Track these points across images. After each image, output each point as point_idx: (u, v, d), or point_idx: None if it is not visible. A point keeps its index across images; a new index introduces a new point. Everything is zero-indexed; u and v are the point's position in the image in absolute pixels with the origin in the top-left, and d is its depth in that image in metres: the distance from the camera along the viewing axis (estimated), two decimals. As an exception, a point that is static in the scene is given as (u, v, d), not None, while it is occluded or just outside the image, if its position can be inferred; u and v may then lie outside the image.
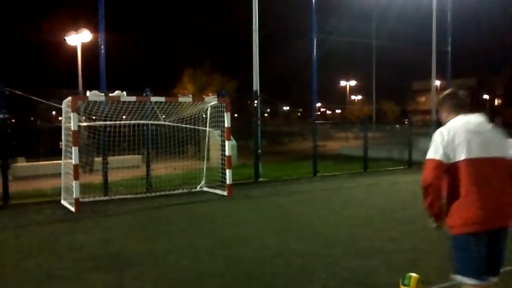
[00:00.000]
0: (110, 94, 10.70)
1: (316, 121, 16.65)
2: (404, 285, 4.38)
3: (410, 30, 23.81)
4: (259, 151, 14.83)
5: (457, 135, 3.60)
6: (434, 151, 3.65)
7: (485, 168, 3.54)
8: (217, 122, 12.23)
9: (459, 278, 3.59)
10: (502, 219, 3.58)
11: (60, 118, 11.77)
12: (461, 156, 3.53)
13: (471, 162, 3.51)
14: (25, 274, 5.95)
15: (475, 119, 3.74)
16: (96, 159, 13.30)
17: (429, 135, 19.20)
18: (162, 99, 11.28)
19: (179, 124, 12.51)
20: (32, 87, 11.71)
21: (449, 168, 3.56)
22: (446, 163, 3.56)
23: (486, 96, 63.91)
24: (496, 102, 65.06)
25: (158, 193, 11.86)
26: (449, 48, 19.57)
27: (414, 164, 18.07)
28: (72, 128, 9.82)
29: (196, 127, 12.78)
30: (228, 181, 11.56)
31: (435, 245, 6.90)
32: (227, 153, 11.65)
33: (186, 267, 6.08)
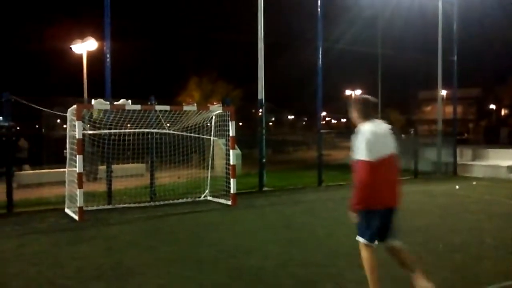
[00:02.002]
0: (115, 103, 10.71)
1: (321, 130, 16.58)
2: None
3: (416, 39, 23.78)
4: (264, 160, 14.77)
5: (377, 138, 4.63)
6: (366, 153, 4.56)
7: (388, 163, 4.71)
8: (221, 130, 12.20)
9: (360, 239, 4.87)
10: (394, 201, 4.92)
11: (64, 126, 11.77)
12: (379, 154, 4.60)
13: (384, 159, 4.63)
14: (27, 283, 5.92)
15: (382, 124, 4.82)
16: (100, 167, 13.29)
17: (435, 145, 19.14)
18: (167, 107, 11.28)
19: (184, 133, 12.49)
20: (38, 95, 11.72)
21: (374, 164, 4.57)
22: (374, 162, 4.55)
23: (492, 106, 63.70)
24: (503, 112, 64.78)
25: (162, 202, 11.80)
26: (455, 57, 19.49)
27: (420, 174, 17.96)
28: (77, 136, 9.81)
29: (201, 135, 12.76)
30: (232, 190, 11.50)
31: (442, 258, 6.82)
32: (231, 162, 11.61)
33: (189, 277, 6.02)
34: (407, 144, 21.46)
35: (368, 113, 4.80)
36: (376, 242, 4.85)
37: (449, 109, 22.47)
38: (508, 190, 14.26)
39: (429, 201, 12.41)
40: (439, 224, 9.27)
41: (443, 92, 23.63)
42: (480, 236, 8.12)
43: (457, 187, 14.90)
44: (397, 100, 56.17)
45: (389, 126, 4.86)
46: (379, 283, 4.92)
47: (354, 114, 4.86)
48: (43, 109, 11.48)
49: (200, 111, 11.96)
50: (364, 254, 4.87)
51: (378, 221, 4.78)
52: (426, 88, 49.80)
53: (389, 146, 4.79)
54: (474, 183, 16.08)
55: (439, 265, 6.40)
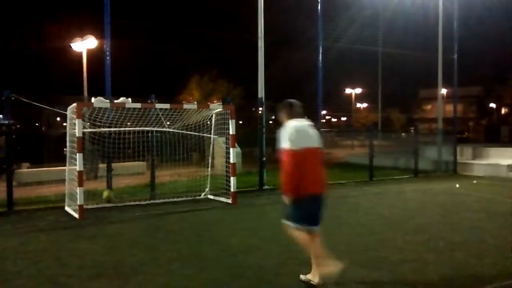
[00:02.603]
0: (115, 101, 10.69)
1: (321, 129, 16.57)
2: None
3: (417, 38, 23.70)
4: (264, 158, 14.76)
5: (299, 132, 5.35)
6: (289, 143, 5.26)
7: (312, 154, 5.38)
8: (222, 129, 12.19)
9: (291, 224, 5.44)
10: (318, 189, 5.44)
11: (64, 124, 11.76)
12: (301, 146, 5.26)
13: (306, 151, 5.29)
14: (28, 281, 5.91)
15: (304, 122, 5.57)
16: (101, 165, 13.28)
17: (436, 144, 19.13)
18: (167, 106, 11.26)
19: (184, 131, 12.48)
20: (37, 93, 11.72)
21: (298, 152, 5.23)
22: (298, 150, 5.22)
23: (493, 105, 63.67)
24: (503, 110, 64.77)
25: (162, 200, 11.80)
26: (456, 56, 19.47)
27: (420, 173, 17.96)
28: (77, 135, 9.80)
29: (201, 134, 12.75)
30: (232, 189, 11.50)
31: (442, 255, 6.82)
32: (231, 161, 11.60)
33: (190, 275, 6.01)
34: (407, 143, 21.47)
35: (293, 113, 5.61)
36: (303, 225, 5.40)
37: (449, 107, 22.47)
38: (508, 188, 14.25)
39: (430, 199, 12.41)
40: (440, 222, 9.26)
41: (444, 91, 23.63)
42: (480, 234, 8.12)
43: (457, 185, 14.90)
44: (398, 99, 56.11)
45: (311, 124, 5.66)
46: (323, 250, 5.56)
47: (282, 115, 5.66)
48: (43, 106, 11.47)
49: (200, 110, 11.95)
50: (295, 233, 5.48)
51: (305, 208, 5.37)
52: (426, 86, 49.78)
53: (312, 140, 5.47)
54: (475, 181, 16.08)
55: (440, 263, 6.40)
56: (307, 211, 5.41)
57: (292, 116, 5.59)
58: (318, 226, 5.56)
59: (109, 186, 11.80)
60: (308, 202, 5.38)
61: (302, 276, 5.68)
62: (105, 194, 11.61)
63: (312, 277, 5.56)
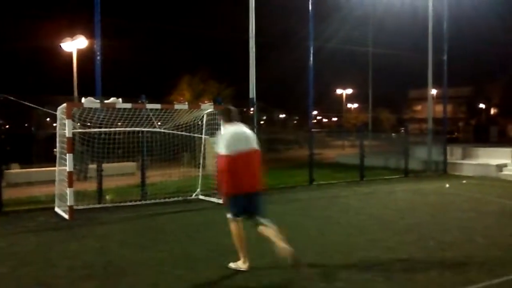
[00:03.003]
0: (106, 101, 10.64)
1: (312, 129, 16.60)
2: None
3: (407, 39, 23.85)
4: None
5: (234, 136, 5.94)
6: (225, 148, 5.85)
7: (246, 156, 5.92)
8: (213, 129, 12.17)
9: (230, 216, 6.07)
10: (254, 187, 6.04)
11: (54, 124, 11.68)
12: (236, 149, 5.84)
13: (242, 153, 5.86)
14: (18, 283, 5.87)
15: (241, 126, 6.14)
16: (91, 166, 13.21)
17: (426, 144, 19.21)
18: (158, 106, 11.22)
19: (175, 131, 12.45)
20: (27, 93, 11.63)
21: (232, 157, 5.80)
22: (231, 155, 5.79)
23: (482, 105, 64.20)
24: (492, 111, 65.33)
25: (153, 201, 11.76)
26: (445, 57, 19.60)
27: (410, 173, 18.05)
28: (67, 135, 9.74)
29: (192, 134, 12.72)
30: (223, 189, 11.46)
31: (433, 255, 6.86)
32: (223, 161, 11.56)
33: (181, 276, 6.00)
34: (397, 143, 21.57)
35: (231, 118, 6.19)
36: (239, 217, 6.07)
37: (439, 108, 22.56)
38: (497, 188, 14.38)
39: (420, 199, 12.48)
40: (430, 222, 9.32)
41: (434, 91, 23.78)
42: (470, 234, 8.18)
43: (447, 185, 14.99)
44: (388, 99, 56.40)
45: (248, 127, 6.26)
46: (245, 248, 6.14)
47: (221, 119, 6.32)
48: (33, 106, 11.39)
49: (191, 110, 11.92)
50: (232, 226, 6.12)
51: (242, 203, 5.97)
52: (416, 87, 50.11)
53: (248, 143, 6.01)
54: (464, 181, 16.19)
55: (430, 263, 6.44)
56: (243, 207, 6.00)
57: (229, 121, 6.19)
58: (261, 218, 6.10)
59: (99, 188, 11.72)
60: (243, 199, 5.97)
61: (231, 264, 6.23)
62: (108, 197, 11.69)
63: (242, 263, 6.16)
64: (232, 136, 5.98)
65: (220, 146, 5.93)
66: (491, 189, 14.10)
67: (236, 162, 5.84)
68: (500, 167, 17.60)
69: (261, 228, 6.05)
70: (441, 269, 6.18)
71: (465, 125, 54.31)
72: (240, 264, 6.16)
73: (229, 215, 6.13)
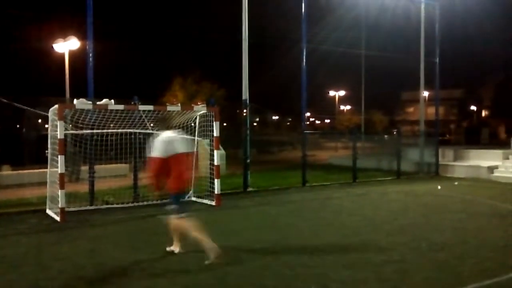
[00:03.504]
0: (98, 102, 10.59)
1: (305, 131, 16.62)
2: None
3: (399, 41, 23.98)
4: (248, 160, 14.75)
5: (169, 141, 6.75)
6: (159, 152, 6.64)
7: (183, 158, 6.84)
8: (206, 131, 12.15)
9: (181, 215, 6.79)
10: (186, 186, 7.19)
11: (46, 126, 11.60)
12: (170, 153, 6.65)
13: (178, 155, 6.72)
14: (9, 285, 5.82)
15: (176, 132, 7.06)
16: (83, 167, 13.13)
17: (418, 146, 19.28)
18: (151, 107, 11.18)
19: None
20: (19, 94, 11.56)
21: (167, 159, 6.62)
22: (165, 157, 6.61)
23: (473, 108, 64.62)
24: (483, 113, 65.77)
25: (145, 203, 11.70)
26: (437, 59, 19.71)
27: (403, 175, 18.11)
28: (59, 136, 9.68)
29: (185, 136, 12.66)
30: (216, 191, 11.46)
31: (425, 256, 6.88)
32: (215, 163, 11.56)
33: (174, 278, 5.97)
34: (390, 145, 21.66)
35: (167, 125, 7.23)
36: (185, 213, 6.85)
37: (431, 110, 22.70)
38: (488, 190, 14.46)
39: (412, 201, 12.52)
40: (422, 223, 9.35)
41: (426, 93, 23.91)
42: (462, 235, 8.22)
43: (439, 187, 15.06)
44: (380, 101, 56.67)
45: (182, 133, 7.28)
46: (204, 235, 6.75)
47: (162, 127, 7.23)
48: (25, 107, 11.32)
49: (184, 111, 11.88)
50: (185, 223, 6.80)
51: (183, 200, 7.23)
52: (408, 89, 50.36)
53: (181, 147, 6.85)
54: (456, 183, 16.27)
55: (422, 264, 6.46)
56: (183, 202, 7.15)
57: (166, 128, 7.15)
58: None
59: (91, 190, 11.64)
60: (183, 196, 7.31)
61: (167, 248, 7.11)
62: (109, 199, 11.71)
63: (175, 247, 7.09)
64: (168, 141, 6.79)
65: (155, 149, 6.70)
66: (483, 191, 14.18)
67: (170, 163, 6.67)
68: (491, 169, 17.71)
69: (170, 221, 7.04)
70: (433, 270, 6.20)
71: (457, 127, 54.67)
72: (174, 248, 7.11)
73: (182, 215, 6.81)
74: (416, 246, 7.48)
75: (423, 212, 10.56)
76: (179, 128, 12.24)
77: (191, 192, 12.54)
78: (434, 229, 8.70)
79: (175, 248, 7.10)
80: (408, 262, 6.57)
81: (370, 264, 6.49)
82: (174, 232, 7.07)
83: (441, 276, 5.98)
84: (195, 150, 7.52)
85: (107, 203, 11.41)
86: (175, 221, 6.89)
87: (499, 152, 18.71)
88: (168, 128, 7.14)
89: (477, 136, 40.61)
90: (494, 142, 35.74)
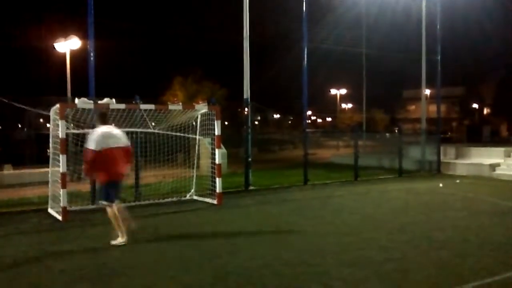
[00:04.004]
0: (99, 102, 10.59)
1: (306, 129, 16.62)
2: None
3: (400, 39, 23.94)
4: (250, 159, 14.76)
5: (104, 135, 7.56)
6: (94, 145, 7.43)
7: (115, 152, 7.59)
8: (207, 130, 12.15)
9: (104, 202, 7.70)
10: (119, 177, 7.83)
11: (48, 125, 11.61)
12: (104, 146, 7.47)
13: (111, 149, 7.54)
14: (9, 285, 5.83)
15: (112, 127, 7.96)
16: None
17: (419, 144, 19.24)
18: (152, 106, 11.18)
19: (169, 132, 12.41)
20: (20, 94, 11.57)
21: (101, 152, 7.42)
22: (99, 150, 7.42)
23: (475, 105, 64.50)
24: (485, 111, 65.66)
25: (147, 202, 11.72)
26: (439, 57, 19.68)
27: (404, 173, 18.10)
28: (60, 136, 9.69)
29: (186, 135, 12.69)
30: (218, 190, 11.47)
31: (426, 255, 6.88)
32: (217, 161, 11.57)
33: (174, 277, 5.98)
34: (391, 143, 21.64)
35: (103, 120, 7.95)
36: (113, 202, 7.71)
37: (433, 108, 22.67)
38: (490, 187, 14.45)
39: (414, 199, 12.51)
40: (424, 221, 9.34)
41: (427, 91, 23.88)
42: (464, 233, 8.21)
43: (440, 185, 15.04)
44: (382, 99, 56.63)
45: (116, 128, 8.12)
46: (123, 227, 7.64)
47: (98, 123, 7.95)
48: (26, 107, 11.33)
49: (186, 110, 11.89)
50: (109, 210, 7.67)
51: (111, 189, 7.66)
52: (410, 87, 50.31)
53: (116, 141, 7.66)
54: (458, 181, 16.26)
55: (424, 262, 6.45)
56: (112, 192, 7.66)
57: (102, 123, 7.87)
58: (118, 200, 7.93)
59: (93, 189, 11.64)
60: (112, 186, 7.68)
61: (112, 242, 7.58)
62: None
63: (121, 239, 7.59)
64: (103, 135, 7.56)
65: (90, 142, 7.52)
66: (484, 189, 14.17)
67: (104, 156, 7.47)
68: (493, 167, 17.69)
69: (118, 208, 7.74)
70: (434, 268, 6.20)
71: (458, 125, 54.57)
72: (120, 240, 7.58)
73: (104, 202, 7.70)
74: (417, 244, 7.48)
75: (424, 210, 10.56)
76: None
77: (192, 190, 12.56)
78: (435, 227, 8.70)
79: (120, 239, 7.63)
80: (409, 260, 6.57)
81: (371, 262, 6.49)
82: (113, 221, 7.70)
83: (442, 274, 5.98)
84: (127, 143, 7.97)
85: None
86: (108, 209, 7.67)
87: (501, 150, 18.69)
88: (104, 123, 7.90)
89: (479, 134, 40.53)
90: (496, 140, 35.68)
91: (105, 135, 7.58)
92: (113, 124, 8.20)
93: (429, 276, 5.92)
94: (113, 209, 7.64)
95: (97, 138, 7.50)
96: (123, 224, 7.69)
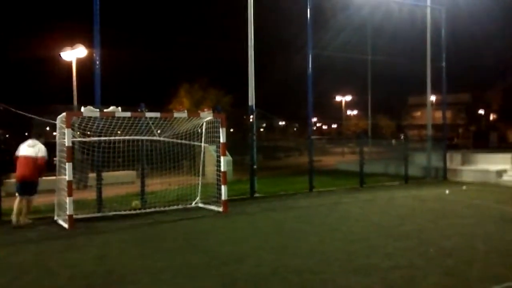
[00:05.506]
0: (105, 110, 10.65)
1: (312, 136, 16.61)
2: None
3: (405, 46, 23.97)
4: (255, 166, 14.75)
5: (24, 146, 10.29)
6: (19, 151, 10.23)
7: (21, 159, 10.15)
8: (212, 137, 12.17)
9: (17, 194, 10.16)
10: (26, 178, 10.12)
11: (54, 133, 11.68)
12: (18, 153, 10.25)
13: (20, 156, 10.21)
14: (16, 293, 5.85)
15: (31, 141, 10.35)
16: (90, 175, 13.19)
17: (425, 150, 19.15)
18: (157, 114, 11.23)
19: (174, 140, 12.45)
20: (27, 102, 11.67)
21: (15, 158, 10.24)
22: (16, 156, 10.25)
23: (481, 111, 64.27)
24: (492, 117, 65.41)
25: (152, 209, 11.73)
26: (444, 63, 19.65)
27: (410, 179, 18.03)
28: (66, 144, 9.74)
29: (192, 142, 12.72)
30: (223, 197, 11.47)
31: (433, 262, 6.84)
32: (222, 169, 11.58)
33: (181, 285, 5.98)
34: (397, 149, 21.58)
35: (36, 133, 10.78)
36: (19, 195, 10.09)
37: (438, 114, 22.62)
38: (497, 194, 14.37)
39: (420, 205, 12.46)
40: (430, 228, 9.30)
41: (433, 98, 23.84)
42: (470, 240, 8.17)
43: (447, 191, 14.98)
44: (387, 106, 56.58)
45: (36, 142, 10.36)
46: (18, 215, 9.98)
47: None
48: (33, 116, 11.40)
49: (191, 118, 11.93)
50: (16, 200, 10.07)
51: (19, 186, 10.12)
52: (415, 93, 50.20)
53: (22, 151, 10.19)
54: (464, 187, 16.18)
55: (430, 269, 6.42)
56: (20, 188, 10.12)
57: (36, 136, 10.56)
58: (25, 195, 10.07)
59: (99, 197, 11.69)
60: (20, 184, 10.11)
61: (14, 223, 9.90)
62: (135, 203, 11.93)
63: (23, 222, 9.98)
64: (21, 146, 10.26)
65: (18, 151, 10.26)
66: (491, 195, 14.09)
67: (20, 161, 10.11)
68: (500, 173, 17.60)
69: (23, 202, 10.03)
70: (441, 276, 6.17)
71: (465, 131, 54.40)
72: (14, 223, 9.86)
73: (16, 194, 10.14)
74: (423, 251, 7.44)
75: (431, 217, 10.51)
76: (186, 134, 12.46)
77: (198, 198, 12.57)
78: (442, 234, 8.66)
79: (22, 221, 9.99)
80: (416, 268, 6.54)
81: (378, 269, 6.47)
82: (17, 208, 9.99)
83: (449, 281, 5.95)
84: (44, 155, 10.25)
85: (134, 209, 11.68)
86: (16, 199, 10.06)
87: (507, 156, 18.60)
88: (35, 136, 10.50)
89: (485, 140, 40.37)
90: (502, 146, 35.53)
91: (23, 145, 10.39)
92: (36, 139, 10.53)
93: (436, 283, 5.89)
94: (17, 200, 10.12)
95: (20, 147, 10.31)
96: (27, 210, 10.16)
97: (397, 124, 56.64)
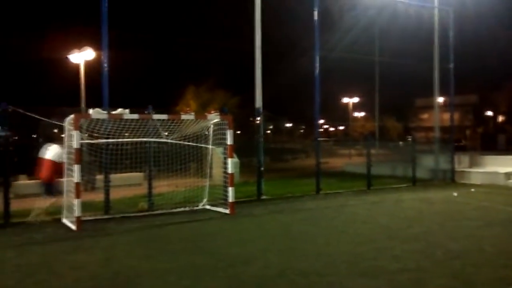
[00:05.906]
0: (113, 112, 10.70)
1: (319, 138, 16.58)
2: None
3: (413, 47, 23.90)
4: (262, 168, 14.75)
5: (44, 148, 11.43)
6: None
7: (43, 162, 11.22)
8: (219, 139, 12.19)
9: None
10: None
11: (62, 135, 11.75)
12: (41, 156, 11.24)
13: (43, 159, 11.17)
14: (24, 294, 5.88)
15: (52, 144, 11.36)
16: (98, 176, 13.24)
17: (433, 152, 19.08)
18: (165, 116, 11.27)
19: (182, 142, 12.47)
20: (35, 104, 11.74)
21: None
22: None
23: (489, 113, 63.88)
24: (500, 118, 65.00)
25: (160, 211, 11.76)
26: (452, 65, 19.56)
27: (418, 182, 17.95)
28: (74, 146, 9.79)
29: (199, 144, 12.74)
30: (230, 199, 11.48)
31: (440, 264, 6.81)
32: (229, 171, 11.59)
33: (188, 286, 5.99)
34: (405, 151, 21.49)
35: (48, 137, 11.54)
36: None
37: (446, 116, 22.50)
38: (506, 196, 14.28)
39: (427, 208, 12.41)
40: (438, 231, 9.26)
41: (440, 99, 23.71)
42: (479, 243, 8.12)
43: (455, 194, 14.90)
44: (394, 108, 56.37)
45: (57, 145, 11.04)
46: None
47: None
48: (41, 118, 11.47)
49: (198, 120, 11.95)
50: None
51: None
52: (423, 95, 49.97)
53: (44, 154, 10.98)
54: (472, 190, 16.09)
55: (438, 272, 6.39)
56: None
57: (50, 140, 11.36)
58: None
59: (107, 198, 11.74)
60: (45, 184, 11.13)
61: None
62: (141, 204, 12.03)
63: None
64: (44, 148, 11.13)
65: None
66: (500, 198, 14.00)
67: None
68: (509, 175, 17.48)
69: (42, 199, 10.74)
70: (449, 278, 6.14)
71: (472, 133, 54.10)
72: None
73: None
74: (431, 253, 7.41)
75: (438, 220, 10.46)
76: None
77: (205, 200, 12.59)
78: (450, 237, 8.61)
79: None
80: (423, 270, 6.51)
81: (385, 272, 6.45)
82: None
83: (457, 284, 5.92)
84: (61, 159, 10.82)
85: (141, 211, 11.74)
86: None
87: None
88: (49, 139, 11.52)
89: (493, 142, 40.11)
90: (511, 149, 35.28)
91: (45, 148, 10.99)
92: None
93: (443, 286, 5.87)
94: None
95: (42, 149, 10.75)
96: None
97: (405, 126, 56.40)
